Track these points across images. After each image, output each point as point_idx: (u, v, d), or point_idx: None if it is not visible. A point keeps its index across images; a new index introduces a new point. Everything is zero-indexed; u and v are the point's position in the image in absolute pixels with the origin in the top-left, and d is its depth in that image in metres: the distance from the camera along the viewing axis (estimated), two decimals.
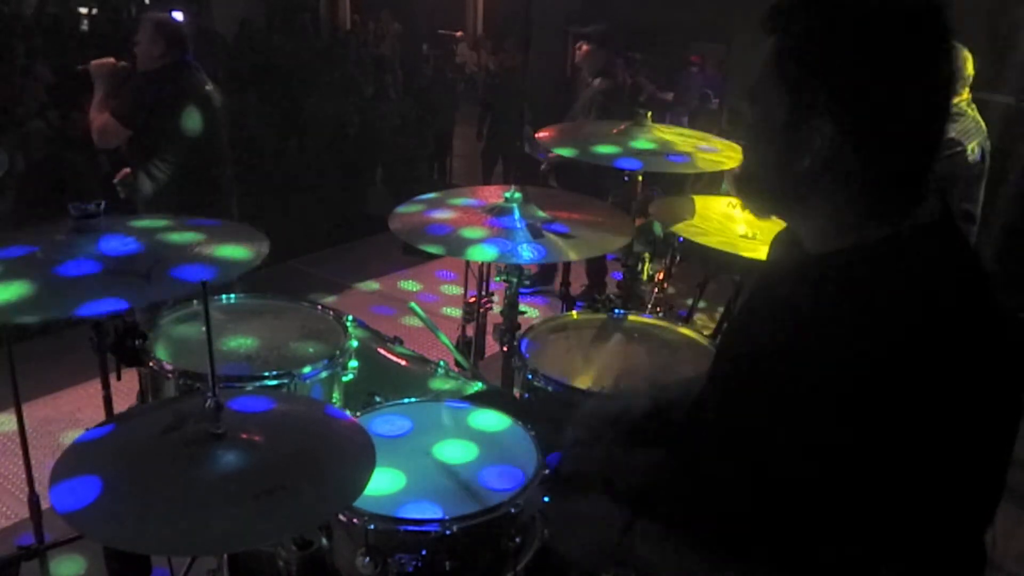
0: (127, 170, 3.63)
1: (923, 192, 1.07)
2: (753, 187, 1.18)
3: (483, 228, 2.12)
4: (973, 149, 3.16)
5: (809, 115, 1.05)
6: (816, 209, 1.11)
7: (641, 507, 1.28)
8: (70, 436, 1.44)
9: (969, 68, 3.20)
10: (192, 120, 3.51)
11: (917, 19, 1.02)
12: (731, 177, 3.41)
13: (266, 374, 1.90)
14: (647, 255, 3.01)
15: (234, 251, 1.74)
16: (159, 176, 3.53)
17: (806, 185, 1.09)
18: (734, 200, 2.90)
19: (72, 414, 3.58)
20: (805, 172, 1.07)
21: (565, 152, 2.81)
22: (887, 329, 0.99)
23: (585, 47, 4.71)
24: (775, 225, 1.31)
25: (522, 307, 2.40)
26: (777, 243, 1.34)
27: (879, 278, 1.04)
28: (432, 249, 2.10)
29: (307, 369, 1.93)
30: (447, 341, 2.56)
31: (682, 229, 2.69)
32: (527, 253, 2.04)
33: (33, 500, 2.20)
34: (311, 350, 2.07)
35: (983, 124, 3.36)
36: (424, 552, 1.44)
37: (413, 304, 2.62)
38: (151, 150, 3.52)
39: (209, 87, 3.65)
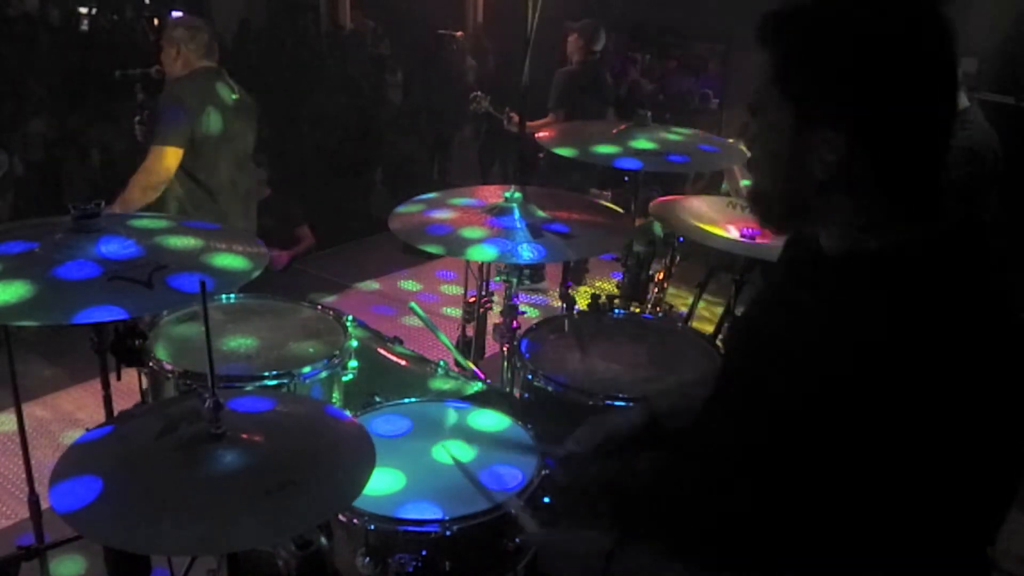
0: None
1: (940, 195, 1.07)
2: (766, 203, 1.16)
3: (483, 228, 2.12)
4: (988, 156, 3.15)
5: (816, 125, 1.04)
6: (833, 215, 1.10)
7: (636, 520, 1.28)
8: (70, 436, 1.44)
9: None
10: (202, 131, 3.38)
11: (917, 22, 1.02)
12: (733, 178, 3.41)
13: (266, 374, 1.90)
14: (647, 255, 3.01)
15: (234, 260, 1.75)
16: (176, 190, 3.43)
17: (819, 195, 1.08)
18: (734, 200, 2.90)
19: (72, 414, 3.58)
20: (817, 182, 1.07)
21: (566, 152, 2.80)
22: (903, 331, 0.99)
23: (572, 37, 5.08)
24: None
25: (522, 307, 2.40)
26: (791, 243, 1.33)
27: (897, 280, 1.04)
28: (432, 249, 2.10)
29: (307, 369, 1.93)
30: (447, 341, 2.56)
31: (682, 229, 2.69)
32: (527, 253, 2.04)
33: (33, 500, 2.20)
34: (311, 350, 2.07)
35: (991, 128, 3.34)
36: (424, 552, 1.44)
37: (413, 304, 2.62)
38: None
39: (235, 97, 3.51)
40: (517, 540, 1.42)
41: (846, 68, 1.02)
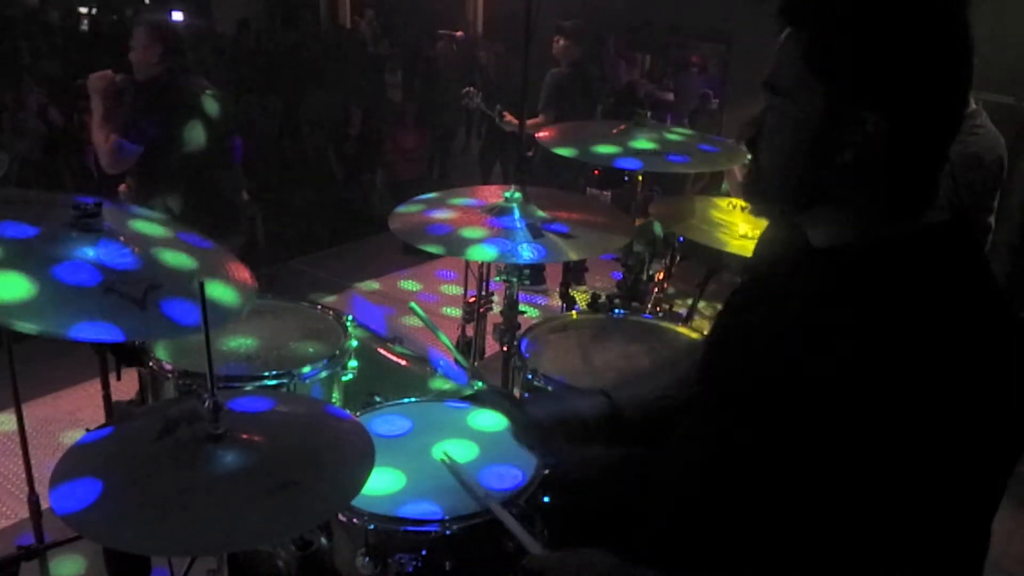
0: (124, 186, 3.46)
1: (936, 190, 1.05)
2: (773, 185, 1.11)
3: (483, 228, 2.12)
4: (994, 162, 3.14)
5: (851, 107, 1.00)
6: (833, 204, 1.07)
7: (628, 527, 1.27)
8: (70, 436, 1.44)
9: None
10: (192, 131, 3.36)
11: (954, 3, 1.00)
12: (733, 178, 3.41)
13: (266, 374, 1.90)
14: (647, 255, 3.02)
15: (223, 292, 1.70)
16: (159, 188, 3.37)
17: (838, 179, 1.04)
18: (734, 200, 2.90)
19: (72, 414, 3.57)
20: (841, 166, 1.03)
21: (566, 152, 2.80)
22: (893, 326, 0.98)
23: (561, 41, 5.04)
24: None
25: (522, 307, 2.40)
26: (768, 240, 1.32)
27: (887, 274, 1.03)
28: (432, 249, 2.10)
29: (307, 369, 1.93)
30: (447, 341, 2.56)
31: (682, 229, 2.69)
32: (527, 253, 2.04)
33: (33, 500, 2.20)
34: (311, 350, 2.07)
35: (999, 134, 3.33)
36: (424, 552, 1.44)
37: (413, 304, 2.62)
38: (155, 162, 3.35)
39: (210, 92, 3.51)
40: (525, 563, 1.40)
41: (885, 44, 0.98)
